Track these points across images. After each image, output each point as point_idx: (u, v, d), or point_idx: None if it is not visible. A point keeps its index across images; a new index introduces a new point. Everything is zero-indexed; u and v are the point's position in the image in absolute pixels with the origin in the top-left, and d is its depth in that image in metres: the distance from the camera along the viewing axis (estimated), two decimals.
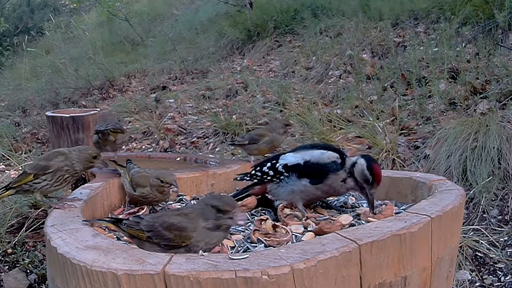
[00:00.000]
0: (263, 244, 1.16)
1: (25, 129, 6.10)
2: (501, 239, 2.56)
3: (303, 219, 1.31)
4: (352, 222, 1.28)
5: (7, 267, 2.83)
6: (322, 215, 1.37)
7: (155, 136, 4.73)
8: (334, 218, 1.32)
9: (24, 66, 8.21)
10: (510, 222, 2.65)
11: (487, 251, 2.51)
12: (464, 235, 2.54)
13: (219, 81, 5.64)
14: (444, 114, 3.46)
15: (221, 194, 1.12)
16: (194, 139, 4.49)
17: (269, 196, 1.49)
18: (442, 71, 3.87)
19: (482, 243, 2.54)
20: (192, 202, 1.64)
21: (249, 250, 1.14)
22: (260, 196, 1.50)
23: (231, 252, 1.15)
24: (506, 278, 2.38)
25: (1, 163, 4.35)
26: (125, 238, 1.27)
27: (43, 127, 5.82)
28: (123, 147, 2.94)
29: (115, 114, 4.26)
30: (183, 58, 6.90)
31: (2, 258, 2.87)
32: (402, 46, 4.90)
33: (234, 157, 3.55)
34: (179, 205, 1.60)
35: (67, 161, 1.43)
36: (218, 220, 1.03)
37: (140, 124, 5.00)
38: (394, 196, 1.53)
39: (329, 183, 1.35)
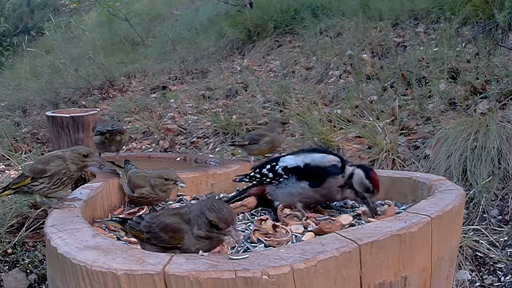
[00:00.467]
0: (263, 244, 1.16)
1: (25, 129, 6.10)
2: (501, 239, 2.56)
3: (303, 219, 1.32)
4: (352, 222, 1.28)
5: (7, 267, 2.83)
6: (322, 215, 1.37)
7: (155, 136, 4.73)
8: (334, 218, 1.32)
9: (24, 66, 8.21)
10: (510, 222, 2.65)
11: (487, 251, 2.51)
12: (464, 235, 2.54)
13: (219, 81, 5.64)
14: (444, 114, 3.46)
15: (223, 201, 1.09)
16: (194, 139, 4.49)
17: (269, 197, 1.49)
18: (442, 71, 3.86)
19: (482, 243, 2.54)
20: (192, 202, 1.64)
21: (249, 250, 1.14)
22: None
23: (231, 252, 1.14)
24: (506, 278, 2.38)
25: (1, 163, 4.35)
26: (125, 238, 1.27)
27: (43, 127, 5.82)
28: (123, 147, 2.96)
29: (109, 119, 4.33)
30: (183, 58, 6.89)
31: (2, 258, 2.87)
32: (402, 46, 4.89)
33: (234, 157, 3.55)
34: (179, 205, 1.61)
35: (65, 164, 1.43)
36: (210, 232, 1.00)
37: (140, 124, 5.00)
38: (394, 196, 1.53)
39: (327, 186, 1.35)
